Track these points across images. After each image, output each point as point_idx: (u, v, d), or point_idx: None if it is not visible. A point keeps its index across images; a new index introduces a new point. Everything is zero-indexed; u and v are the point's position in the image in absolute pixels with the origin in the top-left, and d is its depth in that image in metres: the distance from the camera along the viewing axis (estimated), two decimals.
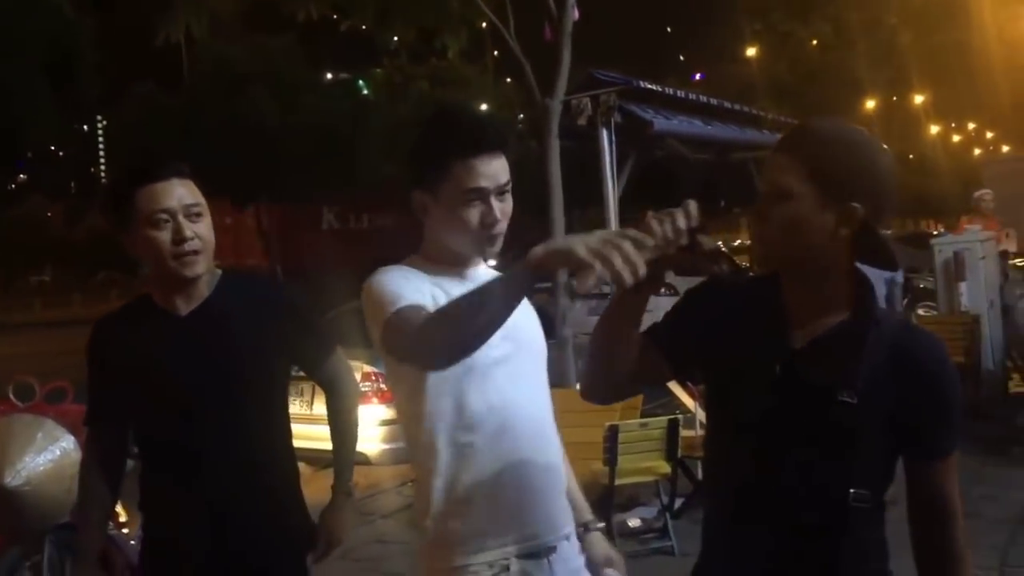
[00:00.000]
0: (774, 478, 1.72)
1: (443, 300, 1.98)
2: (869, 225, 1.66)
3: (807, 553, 1.71)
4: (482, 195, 2.04)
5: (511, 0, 8.49)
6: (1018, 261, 13.68)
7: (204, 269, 2.31)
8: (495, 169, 2.05)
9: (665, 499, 5.78)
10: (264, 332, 2.35)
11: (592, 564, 2.22)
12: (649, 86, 8.67)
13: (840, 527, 1.69)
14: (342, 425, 2.63)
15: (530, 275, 1.62)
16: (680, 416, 5.88)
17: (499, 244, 2.12)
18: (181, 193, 2.27)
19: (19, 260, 52.69)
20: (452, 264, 2.15)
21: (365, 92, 25.30)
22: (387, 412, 7.54)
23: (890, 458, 1.74)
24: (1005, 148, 51.63)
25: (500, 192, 2.07)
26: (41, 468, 3.77)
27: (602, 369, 1.82)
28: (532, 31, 8.77)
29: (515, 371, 2.10)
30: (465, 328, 1.73)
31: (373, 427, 7.57)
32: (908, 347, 1.72)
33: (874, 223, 1.67)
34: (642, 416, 6.19)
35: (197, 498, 2.28)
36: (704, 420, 7.12)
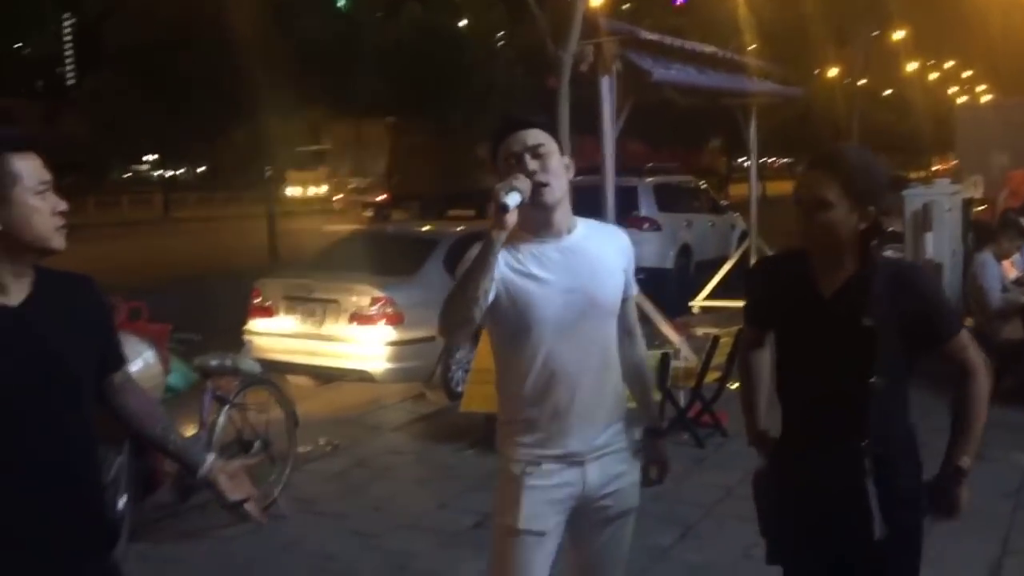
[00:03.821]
0: (826, 377, 2.58)
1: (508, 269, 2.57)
2: (878, 219, 2.52)
3: (851, 417, 2.56)
4: None
5: None
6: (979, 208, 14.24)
7: None
8: None
9: None
10: (84, 334, 2.26)
11: (645, 462, 2.85)
12: (649, 36, 9.11)
13: (866, 401, 2.53)
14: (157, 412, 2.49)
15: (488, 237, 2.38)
16: (670, 351, 6.52)
17: None
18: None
19: None
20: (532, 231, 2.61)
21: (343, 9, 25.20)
22: (392, 333, 7.97)
23: (905, 357, 2.59)
24: (981, 87, 51.94)
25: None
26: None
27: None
28: None
29: (578, 328, 2.61)
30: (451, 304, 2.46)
31: (379, 346, 8.01)
32: (898, 276, 2.57)
33: (879, 214, 2.54)
34: None
35: (5, 499, 2.13)
36: (687, 355, 7.82)
